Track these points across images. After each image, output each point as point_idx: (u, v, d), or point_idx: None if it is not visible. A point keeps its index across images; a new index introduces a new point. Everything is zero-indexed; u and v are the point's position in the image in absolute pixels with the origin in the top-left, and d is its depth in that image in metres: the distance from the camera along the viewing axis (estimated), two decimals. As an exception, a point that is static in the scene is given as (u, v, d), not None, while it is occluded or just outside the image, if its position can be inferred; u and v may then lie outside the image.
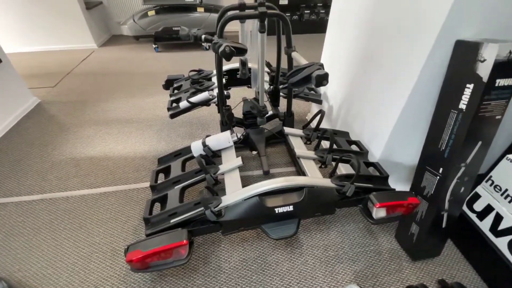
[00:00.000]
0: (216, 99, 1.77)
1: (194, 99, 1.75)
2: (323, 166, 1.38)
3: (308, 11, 4.34)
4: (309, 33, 4.48)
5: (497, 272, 1.13)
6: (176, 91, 1.99)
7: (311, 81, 0.94)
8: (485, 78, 0.89)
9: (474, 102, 0.93)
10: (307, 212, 1.18)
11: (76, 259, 1.27)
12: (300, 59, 1.21)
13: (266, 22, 1.22)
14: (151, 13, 3.63)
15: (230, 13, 1.21)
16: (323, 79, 0.90)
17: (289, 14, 4.33)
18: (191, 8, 3.70)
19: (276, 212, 1.08)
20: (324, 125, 1.93)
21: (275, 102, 1.74)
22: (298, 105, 2.43)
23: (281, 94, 1.76)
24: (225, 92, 1.66)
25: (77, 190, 1.62)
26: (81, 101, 2.57)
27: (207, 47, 3.88)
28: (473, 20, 0.91)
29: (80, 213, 1.49)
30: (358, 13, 1.43)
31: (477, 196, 1.21)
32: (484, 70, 0.89)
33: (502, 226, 1.10)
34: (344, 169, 1.53)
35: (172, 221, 1.07)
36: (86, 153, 1.92)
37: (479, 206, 1.20)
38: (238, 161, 1.32)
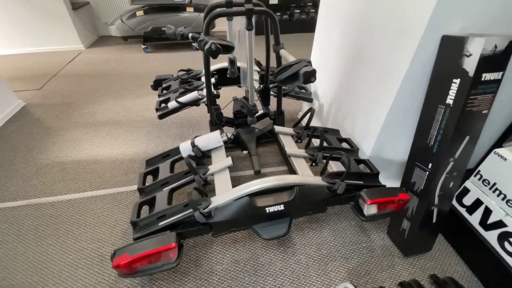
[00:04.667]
0: (205, 98, 1.74)
1: (183, 99, 1.73)
2: (314, 164, 1.37)
3: (298, 11, 4.35)
4: (300, 33, 4.49)
5: (487, 266, 1.14)
6: (164, 91, 1.96)
7: (299, 78, 0.93)
8: (471, 73, 0.89)
9: (461, 97, 0.93)
10: (298, 211, 1.17)
11: (63, 266, 1.23)
12: (288, 56, 1.20)
13: (253, 20, 1.21)
14: (140, 13, 3.57)
15: (216, 10, 1.19)
16: (310, 76, 0.89)
17: (279, 14, 4.32)
18: (180, 8, 3.66)
19: (267, 211, 1.06)
20: (315, 123, 1.93)
21: (265, 101, 1.72)
22: (289, 104, 2.42)
23: (271, 93, 1.74)
24: (215, 92, 1.64)
25: (64, 195, 1.58)
26: (67, 104, 2.51)
27: (197, 47, 3.85)
28: (458, 15, 0.91)
29: (67, 218, 1.44)
30: (345, 11, 1.42)
31: (466, 191, 1.21)
32: (470, 65, 0.89)
33: (491, 219, 1.11)
34: (335, 166, 1.53)
35: (160, 224, 1.05)
36: (73, 156, 1.86)
37: (468, 200, 1.21)
38: (228, 161, 1.31)
